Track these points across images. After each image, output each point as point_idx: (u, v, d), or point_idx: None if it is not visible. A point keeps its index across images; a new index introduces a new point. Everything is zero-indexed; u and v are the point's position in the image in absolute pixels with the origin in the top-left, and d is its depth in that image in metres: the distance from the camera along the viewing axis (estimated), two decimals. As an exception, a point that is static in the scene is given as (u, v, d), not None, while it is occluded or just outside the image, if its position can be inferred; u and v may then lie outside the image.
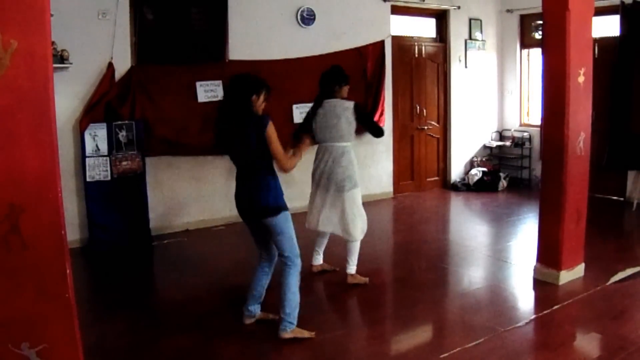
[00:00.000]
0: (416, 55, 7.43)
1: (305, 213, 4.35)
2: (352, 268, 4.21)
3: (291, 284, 3.29)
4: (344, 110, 4.06)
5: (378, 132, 4.23)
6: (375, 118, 6.86)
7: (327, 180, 4.10)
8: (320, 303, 4.08)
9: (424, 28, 7.64)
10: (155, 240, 5.42)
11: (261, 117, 3.13)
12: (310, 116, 4.16)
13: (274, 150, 3.12)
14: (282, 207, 3.22)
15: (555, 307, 3.69)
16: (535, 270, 4.22)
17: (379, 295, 4.22)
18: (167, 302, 4.07)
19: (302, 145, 3.47)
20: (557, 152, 3.96)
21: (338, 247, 4.57)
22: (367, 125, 4.26)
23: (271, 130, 3.09)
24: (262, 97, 3.17)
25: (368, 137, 6.96)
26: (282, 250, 3.29)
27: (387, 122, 7.06)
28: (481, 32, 7.89)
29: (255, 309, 3.53)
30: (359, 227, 4.14)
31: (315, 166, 4.18)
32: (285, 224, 3.23)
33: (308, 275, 4.35)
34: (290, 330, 3.30)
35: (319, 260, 4.49)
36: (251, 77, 3.19)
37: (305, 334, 3.33)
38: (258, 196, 3.18)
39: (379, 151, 7.15)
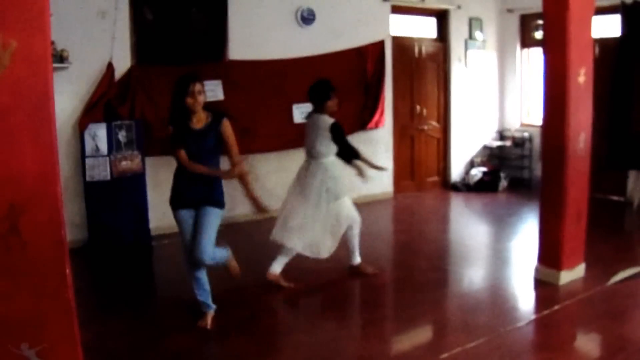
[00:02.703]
0: (416, 55, 7.43)
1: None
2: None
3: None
4: (321, 126, 4.06)
5: (348, 155, 4.14)
6: (375, 118, 6.87)
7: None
8: (319, 303, 4.08)
9: (424, 28, 7.63)
10: (155, 240, 5.41)
11: None
12: None
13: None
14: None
15: (556, 307, 3.69)
16: (536, 270, 4.21)
17: (379, 295, 4.22)
18: (167, 302, 4.07)
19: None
20: (557, 152, 3.96)
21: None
22: (340, 146, 4.14)
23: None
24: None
25: (367, 136, 7.07)
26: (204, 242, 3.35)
27: (387, 122, 7.06)
28: (481, 31, 7.88)
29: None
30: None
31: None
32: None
33: (304, 275, 4.35)
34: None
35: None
36: None
37: (207, 322, 3.45)
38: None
39: (379, 151, 7.13)
